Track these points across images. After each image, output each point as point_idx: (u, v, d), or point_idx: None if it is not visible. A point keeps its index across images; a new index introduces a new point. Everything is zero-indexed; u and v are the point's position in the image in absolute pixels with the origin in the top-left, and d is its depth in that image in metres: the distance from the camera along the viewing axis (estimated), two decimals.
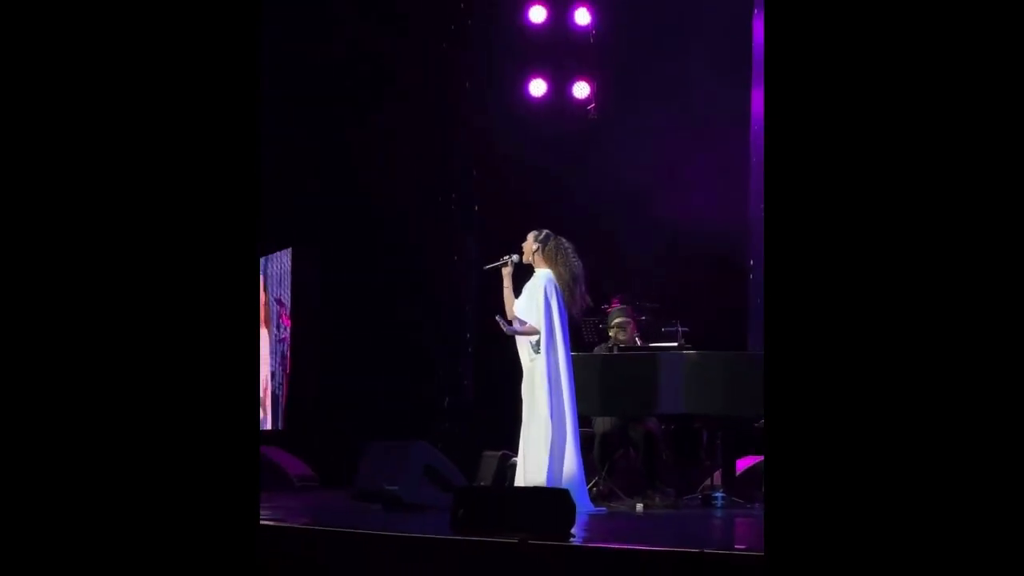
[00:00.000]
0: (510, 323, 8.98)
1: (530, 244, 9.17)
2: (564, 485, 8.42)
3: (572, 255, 9.10)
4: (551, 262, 9.07)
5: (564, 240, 9.16)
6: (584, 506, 8.57)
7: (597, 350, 10.46)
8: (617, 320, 10.46)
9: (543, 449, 8.80)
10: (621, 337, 10.41)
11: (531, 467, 8.83)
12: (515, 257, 9.15)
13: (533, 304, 8.94)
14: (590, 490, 9.67)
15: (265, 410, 17.65)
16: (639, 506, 9.61)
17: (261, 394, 17.66)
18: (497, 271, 9.17)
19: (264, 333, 17.85)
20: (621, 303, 11.06)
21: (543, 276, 9.01)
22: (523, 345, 9.00)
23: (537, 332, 8.90)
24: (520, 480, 8.93)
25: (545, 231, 9.19)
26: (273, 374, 17.40)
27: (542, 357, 8.85)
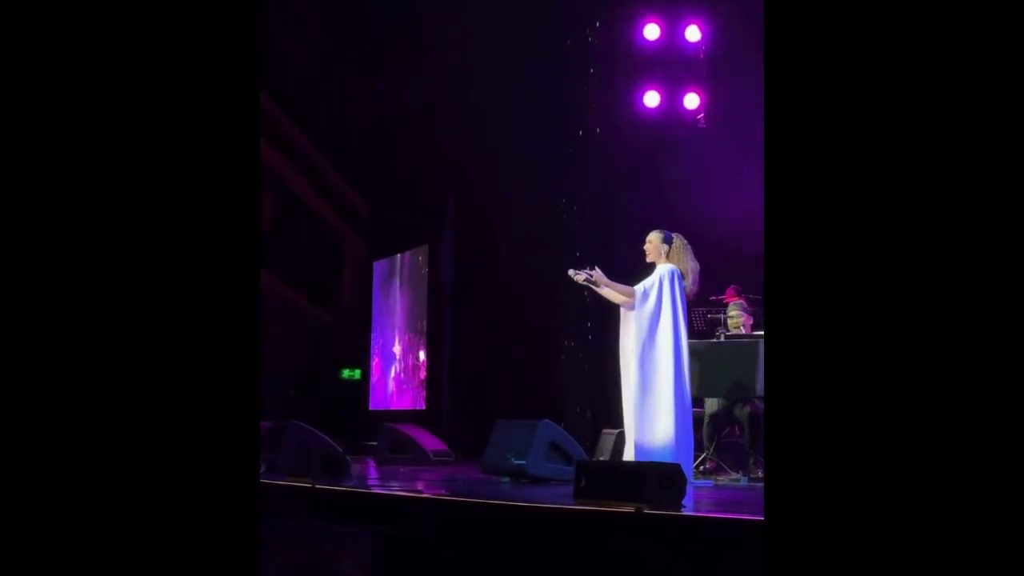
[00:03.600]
0: (591, 271, 9.05)
1: (656, 244, 9.22)
2: (658, 457, 8.48)
3: (691, 251, 9.20)
4: (676, 258, 9.14)
5: (683, 237, 9.24)
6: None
7: (716, 337, 10.52)
8: (733, 311, 10.55)
9: (637, 423, 8.87)
10: (732, 325, 10.49)
11: (629, 441, 8.93)
12: (594, 274, 9.13)
13: (651, 284, 8.98)
14: (699, 465, 9.72)
15: (403, 391, 17.81)
16: (743, 479, 9.63)
17: (401, 375, 17.81)
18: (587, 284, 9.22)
19: (405, 321, 18.00)
20: (736, 293, 11.12)
21: (667, 268, 9.07)
22: (630, 326, 9.03)
23: (630, 296, 8.97)
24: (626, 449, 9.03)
25: (665, 231, 9.26)
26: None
27: (648, 337, 8.90)
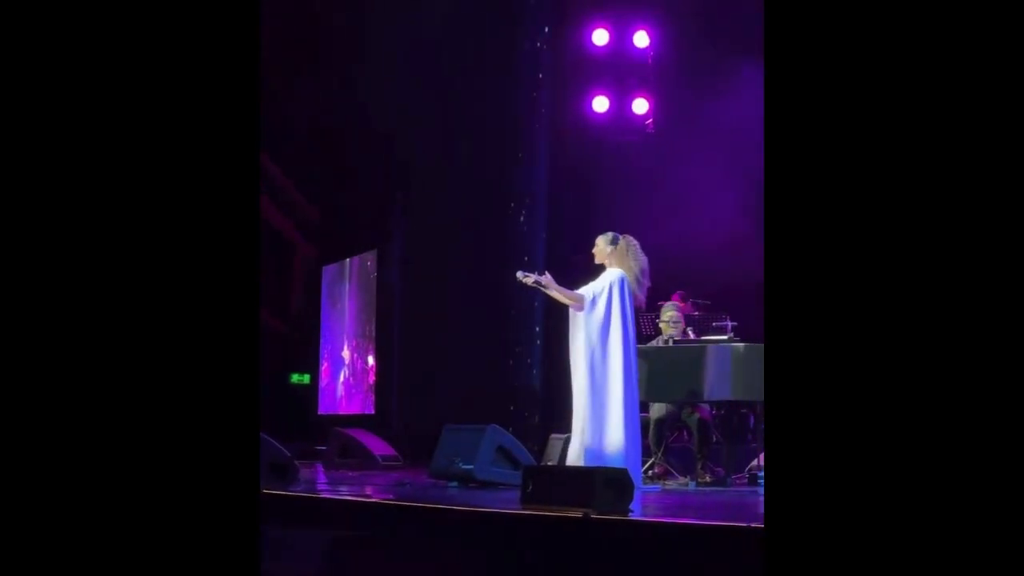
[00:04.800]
0: (541, 275, 9.06)
1: (602, 247, 9.21)
2: (609, 462, 8.48)
3: (639, 251, 9.18)
4: (622, 259, 9.12)
5: (630, 237, 9.22)
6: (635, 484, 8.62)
7: (654, 343, 10.49)
8: (668, 316, 10.52)
9: (586, 428, 8.87)
10: (671, 331, 10.45)
11: (576, 444, 8.93)
12: (543, 279, 9.13)
13: (600, 291, 8.97)
14: (648, 470, 9.73)
15: (352, 396, 17.76)
16: (691, 484, 9.64)
17: (350, 380, 17.76)
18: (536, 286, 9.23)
19: (354, 326, 17.95)
20: (681, 299, 11.12)
21: (615, 273, 9.05)
22: (580, 331, 9.02)
23: (578, 300, 8.95)
24: (570, 454, 9.03)
25: (612, 233, 9.24)
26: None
27: (598, 343, 8.89)
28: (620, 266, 9.11)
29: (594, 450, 8.78)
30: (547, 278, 9.04)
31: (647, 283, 9.24)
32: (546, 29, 13.56)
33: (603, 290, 8.97)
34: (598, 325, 8.92)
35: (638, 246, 9.21)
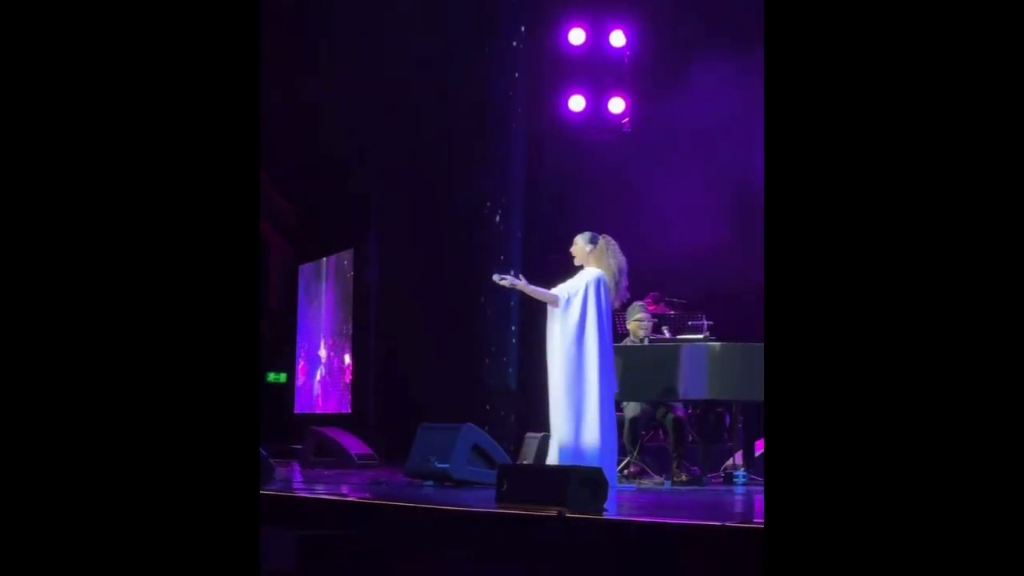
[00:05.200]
0: (518, 277, 9.05)
1: (581, 247, 9.17)
2: (584, 461, 8.47)
3: (618, 250, 9.15)
4: (601, 259, 9.10)
5: (609, 237, 9.20)
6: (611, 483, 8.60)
7: (626, 342, 10.46)
8: (636, 316, 10.47)
9: (562, 427, 8.87)
10: (640, 332, 10.41)
11: (553, 442, 8.93)
12: (518, 282, 9.14)
13: (576, 290, 8.95)
14: (623, 469, 9.71)
15: (329, 395, 17.73)
16: (667, 483, 9.63)
17: (327, 378, 17.73)
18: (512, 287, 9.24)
19: (331, 325, 17.92)
20: (653, 301, 11.09)
21: (592, 273, 9.03)
22: (557, 328, 9.01)
23: (554, 300, 8.94)
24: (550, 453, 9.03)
25: (590, 233, 9.22)
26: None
27: (573, 343, 8.88)
28: (599, 266, 9.09)
29: (569, 449, 8.77)
30: (522, 282, 9.04)
31: (626, 283, 9.22)
32: (522, 28, 13.53)
33: (578, 290, 8.95)
34: (574, 324, 8.91)
35: (617, 246, 9.19)
